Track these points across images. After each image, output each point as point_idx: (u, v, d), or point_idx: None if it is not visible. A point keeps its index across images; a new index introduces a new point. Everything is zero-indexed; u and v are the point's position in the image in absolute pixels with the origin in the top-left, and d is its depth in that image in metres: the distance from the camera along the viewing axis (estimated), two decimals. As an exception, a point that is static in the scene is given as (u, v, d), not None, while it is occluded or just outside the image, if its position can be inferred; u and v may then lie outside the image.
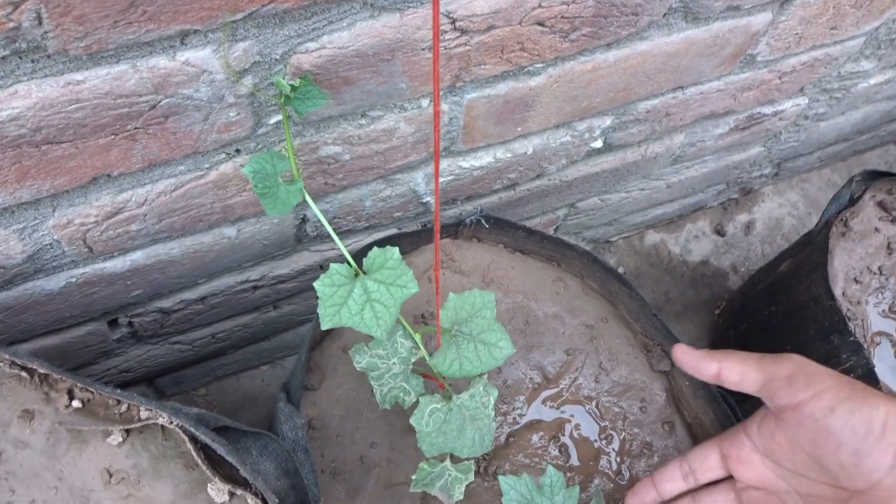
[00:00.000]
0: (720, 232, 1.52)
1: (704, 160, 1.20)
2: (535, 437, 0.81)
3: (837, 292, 1.04)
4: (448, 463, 0.70)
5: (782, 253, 1.22)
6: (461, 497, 0.71)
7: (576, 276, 0.86)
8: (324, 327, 0.61)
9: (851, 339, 0.98)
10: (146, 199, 0.66)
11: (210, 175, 0.68)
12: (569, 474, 0.80)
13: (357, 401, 0.79)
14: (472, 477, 0.70)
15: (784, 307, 1.13)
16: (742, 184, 1.46)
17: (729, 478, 0.69)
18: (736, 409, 0.81)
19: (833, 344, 1.02)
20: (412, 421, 0.65)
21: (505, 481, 0.67)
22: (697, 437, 0.82)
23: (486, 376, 0.67)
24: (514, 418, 0.82)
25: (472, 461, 0.71)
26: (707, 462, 0.70)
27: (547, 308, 0.85)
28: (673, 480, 0.71)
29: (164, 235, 0.73)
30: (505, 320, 0.84)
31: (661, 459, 0.81)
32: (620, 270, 1.35)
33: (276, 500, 0.59)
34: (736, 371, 0.64)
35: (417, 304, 0.82)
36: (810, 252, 1.07)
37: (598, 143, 0.94)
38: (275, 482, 0.66)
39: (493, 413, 0.68)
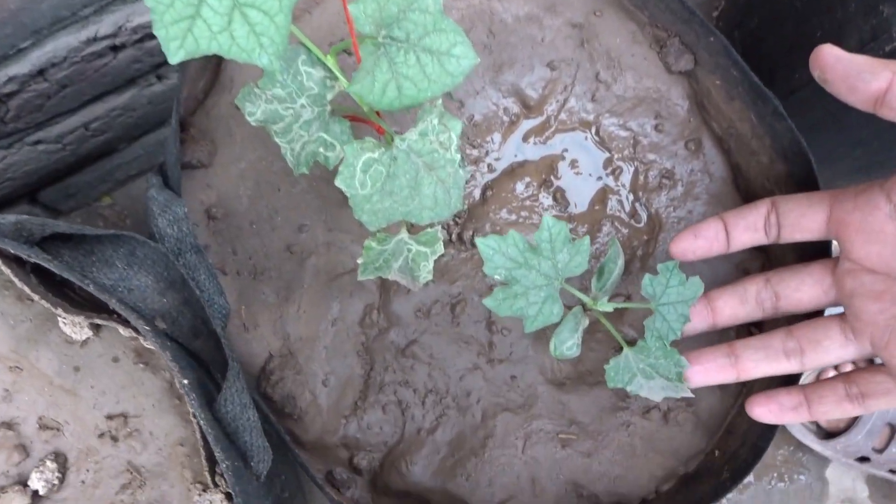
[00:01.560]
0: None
1: None
2: (519, 186, 0.60)
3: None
4: (404, 234, 0.49)
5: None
6: (430, 277, 0.51)
7: (551, -44, 0.61)
8: (172, 60, 0.38)
9: (908, 4, 0.74)
10: None
11: None
12: (570, 226, 0.60)
13: (270, 172, 0.57)
14: (441, 249, 0.51)
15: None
16: None
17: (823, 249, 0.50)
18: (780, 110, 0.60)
19: (882, 16, 0.79)
20: (338, 183, 0.44)
21: (485, 244, 0.47)
22: (731, 152, 0.61)
23: (439, 103, 0.45)
24: (490, 165, 0.61)
25: (438, 227, 0.50)
26: (804, 220, 0.50)
27: (517, 8, 0.60)
28: (747, 229, 0.52)
29: None
30: (459, 33, 0.60)
31: (687, 188, 0.61)
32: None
33: (147, 327, 0.39)
34: None
35: (329, 23, 0.57)
36: None
37: None
38: (157, 299, 0.46)
39: (460, 156, 0.46)
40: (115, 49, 0.70)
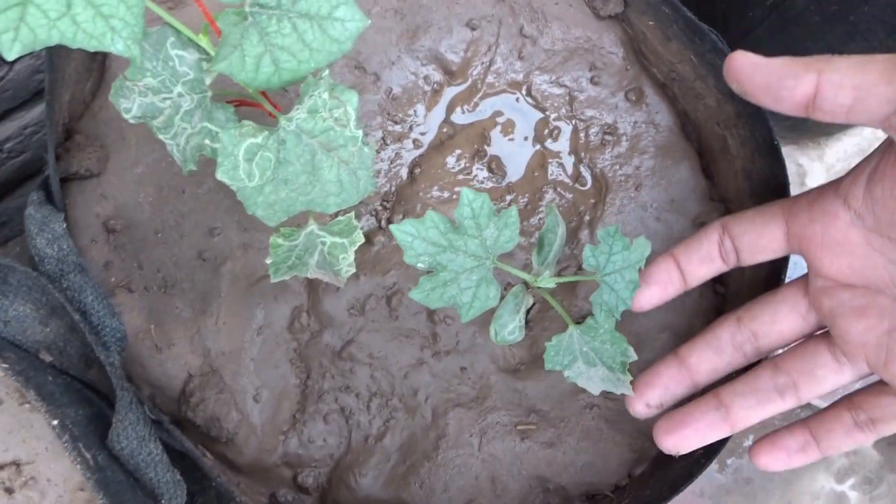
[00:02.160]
0: None
1: None
2: (450, 160, 0.55)
3: None
4: (314, 226, 0.44)
5: None
6: (352, 270, 0.46)
7: None
8: (8, 56, 0.33)
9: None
10: None
11: None
12: (509, 196, 0.55)
13: (171, 174, 0.51)
14: (360, 238, 0.45)
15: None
16: None
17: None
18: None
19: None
20: (220, 175, 0.38)
21: (400, 230, 0.42)
22: (676, 98, 0.56)
23: (325, 74, 0.40)
24: (416, 140, 0.55)
25: (352, 215, 0.45)
26: (762, 240, 0.45)
27: (424, -35, 0.55)
28: (703, 261, 0.46)
29: None
30: (368, 2, 0.54)
31: (632, 142, 0.56)
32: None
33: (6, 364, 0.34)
34: (847, 86, 0.36)
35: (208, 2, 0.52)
36: None
37: None
38: (39, 329, 0.41)
39: (362, 132, 0.41)
40: (7, 62, 0.65)
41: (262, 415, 0.51)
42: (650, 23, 0.54)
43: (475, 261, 0.44)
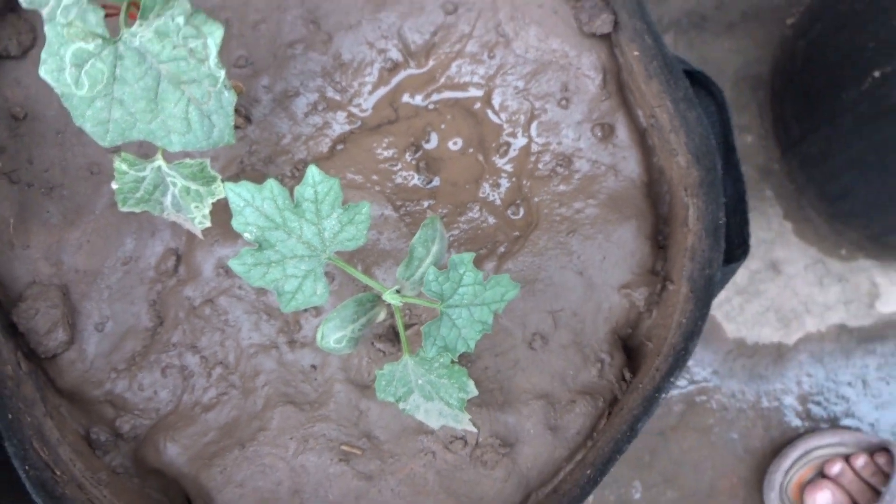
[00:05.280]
0: None
1: None
2: (380, 147, 0.50)
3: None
4: (159, 161, 0.41)
5: None
6: (206, 224, 0.43)
7: None
8: None
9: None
10: None
11: None
12: (427, 202, 0.50)
13: (90, 80, 0.50)
14: (219, 190, 0.42)
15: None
16: None
17: None
18: (726, 105, 0.47)
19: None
20: (43, 73, 0.36)
21: (234, 191, 0.38)
22: (653, 150, 0.48)
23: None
24: (351, 115, 0.51)
25: (206, 161, 0.41)
26: None
27: (415, -67, 0.50)
28: None
29: None
30: (345, -45, 0.50)
31: (584, 182, 0.49)
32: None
33: None
34: None
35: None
36: None
37: None
38: None
39: (224, 73, 0.37)
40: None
41: (101, 346, 0.48)
42: (636, 52, 0.46)
43: (307, 249, 0.39)
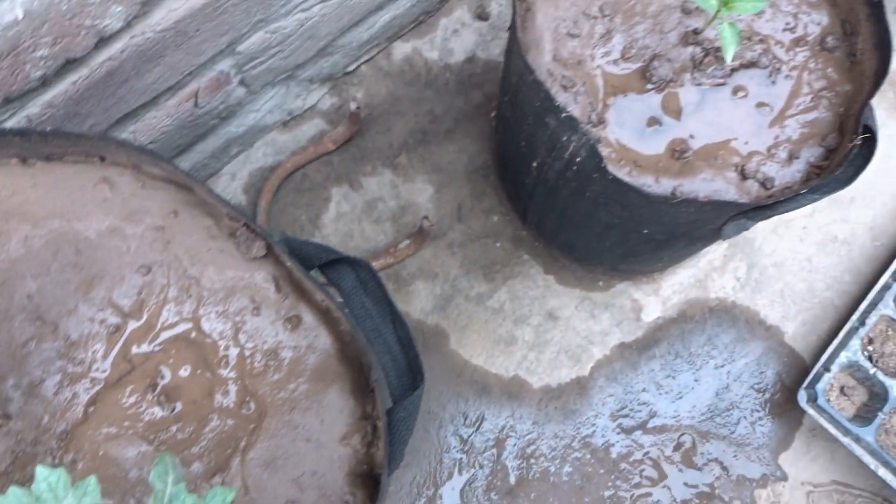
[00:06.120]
0: (483, 16, 1.25)
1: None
2: (125, 397, 0.61)
3: (544, 59, 0.81)
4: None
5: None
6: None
7: (126, 169, 0.63)
8: None
9: (565, 115, 0.76)
10: None
11: None
12: (175, 426, 0.61)
13: None
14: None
15: (510, 95, 0.90)
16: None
17: None
18: (372, 269, 0.60)
19: (550, 128, 0.80)
20: None
21: (-17, 507, 0.48)
22: (338, 321, 0.62)
23: None
24: (94, 378, 0.61)
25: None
26: None
27: (98, 223, 0.62)
28: None
29: None
30: (48, 258, 0.61)
31: (291, 366, 0.61)
32: (355, 106, 1.10)
33: None
34: None
35: None
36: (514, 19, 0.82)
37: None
38: None
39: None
40: None
41: None
42: (289, 263, 0.60)
43: (61, 526, 0.49)
